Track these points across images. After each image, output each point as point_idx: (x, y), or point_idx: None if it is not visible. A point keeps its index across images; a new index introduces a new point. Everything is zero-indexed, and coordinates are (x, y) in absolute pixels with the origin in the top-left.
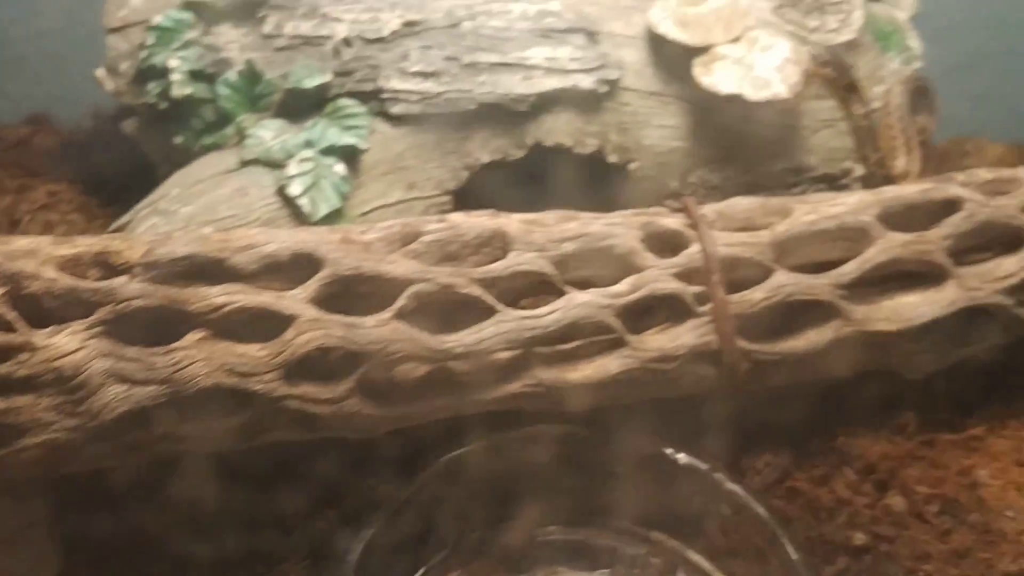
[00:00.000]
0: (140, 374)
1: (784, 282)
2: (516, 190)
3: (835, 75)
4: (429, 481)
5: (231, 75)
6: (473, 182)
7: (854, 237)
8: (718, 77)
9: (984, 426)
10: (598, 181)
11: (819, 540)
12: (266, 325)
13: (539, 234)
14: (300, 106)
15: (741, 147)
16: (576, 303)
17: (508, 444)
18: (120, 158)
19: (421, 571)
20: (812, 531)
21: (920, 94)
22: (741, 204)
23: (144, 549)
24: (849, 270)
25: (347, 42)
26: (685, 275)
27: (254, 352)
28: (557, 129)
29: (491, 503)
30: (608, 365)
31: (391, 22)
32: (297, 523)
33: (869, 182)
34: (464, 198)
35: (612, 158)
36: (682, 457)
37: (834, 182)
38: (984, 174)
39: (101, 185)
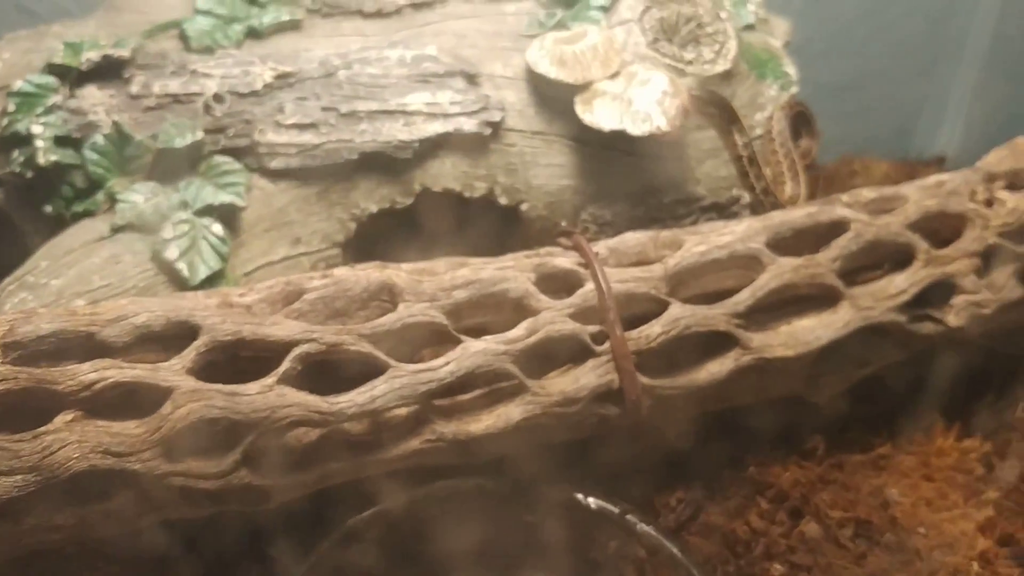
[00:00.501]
0: (3, 463)
1: (680, 315)
2: (415, 237)
3: (714, 110)
4: (329, 549)
5: (98, 139)
6: (366, 232)
7: (746, 265)
8: (599, 114)
9: (891, 443)
10: (500, 221)
11: (737, 575)
12: (143, 400)
13: (429, 284)
14: (173, 167)
15: (628, 182)
16: (471, 352)
17: (414, 503)
18: None
19: None
20: (730, 566)
21: (801, 118)
22: (632, 239)
23: None
24: (743, 298)
25: (218, 98)
26: (581, 315)
27: (131, 430)
28: (444, 174)
29: (402, 562)
30: (510, 413)
31: (263, 75)
32: None
33: (757, 209)
34: (359, 249)
35: (503, 200)
36: (592, 502)
37: (724, 210)
38: (867, 193)
39: None
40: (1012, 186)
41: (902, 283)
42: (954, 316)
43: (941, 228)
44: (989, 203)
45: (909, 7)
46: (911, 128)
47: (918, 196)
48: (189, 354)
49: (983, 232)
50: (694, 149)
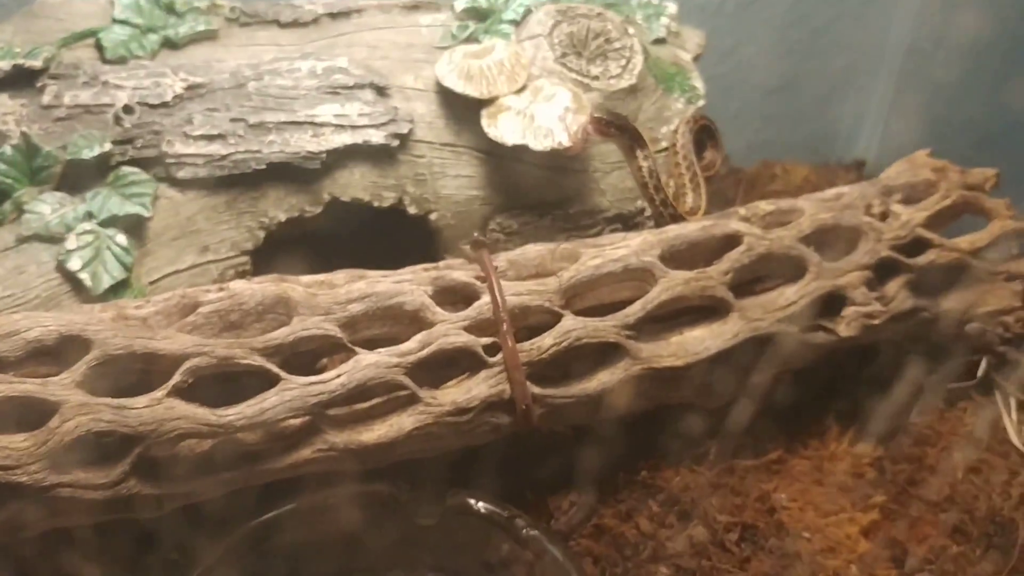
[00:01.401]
0: None
1: (572, 327)
2: (329, 245)
3: (616, 131)
4: (224, 552)
5: (6, 149)
6: (278, 241)
7: (640, 277)
8: (503, 128)
9: (785, 449)
10: (413, 229)
11: None
12: (32, 414)
13: (324, 297)
14: (81, 177)
15: (535, 193)
16: (364, 364)
17: (305, 510)
18: None
19: None
20: (618, 567)
21: (706, 132)
22: (533, 252)
23: None
24: (634, 310)
25: (128, 109)
26: (476, 327)
27: (18, 443)
28: (352, 184)
29: (297, 568)
30: (402, 422)
31: (174, 86)
32: None
33: (659, 221)
34: (270, 258)
35: (412, 209)
36: (483, 506)
37: (628, 221)
38: (765, 206)
39: None
40: (908, 199)
41: (792, 295)
42: (845, 326)
43: (836, 240)
44: (884, 216)
45: (839, 11)
46: (833, 133)
47: (814, 209)
48: (79, 368)
49: (876, 245)
50: (599, 162)
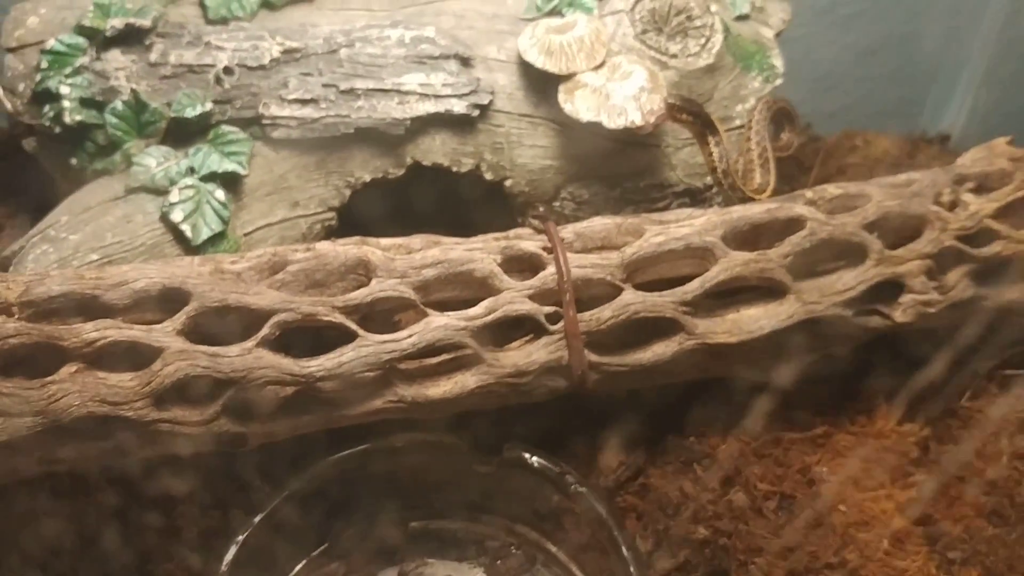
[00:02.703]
0: (16, 407)
1: (631, 300)
2: (408, 205)
3: (689, 118)
4: (305, 482)
5: (118, 104)
6: (360, 199)
7: (701, 255)
8: (579, 105)
9: (832, 424)
10: (486, 195)
11: (665, 534)
12: (138, 356)
13: (401, 262)
14: (185, 133)
15: (607, 165)
16: (434, 326)
17: (378, 451)
18: (23, 173)
19: (302, 563)
20: (659, 525)
21: (784, 114)
22: (599, 224)
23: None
24: (692, 288)
25: (228, 71)
26: (540, 296)
27: (125, 382)
28: (434, 150)
29: (368, 501)
30: (466, 381)
31: (271, 50)
32: (184, 524)
33: (726, 200)
34: (352, 214)
35: (488, 176)
36: (536, 460)
37: (697, 196)
38: (832, 191)
39: (6, 198)
40: (980, 189)
41: (850, 280)
42: (901, 313)
43: (901, 228)
44: (953, 205)
45: None
46: (921, 103)
47: (881, 196)
48: (180, 318)
49: (940, 234)
50: (672, 138)
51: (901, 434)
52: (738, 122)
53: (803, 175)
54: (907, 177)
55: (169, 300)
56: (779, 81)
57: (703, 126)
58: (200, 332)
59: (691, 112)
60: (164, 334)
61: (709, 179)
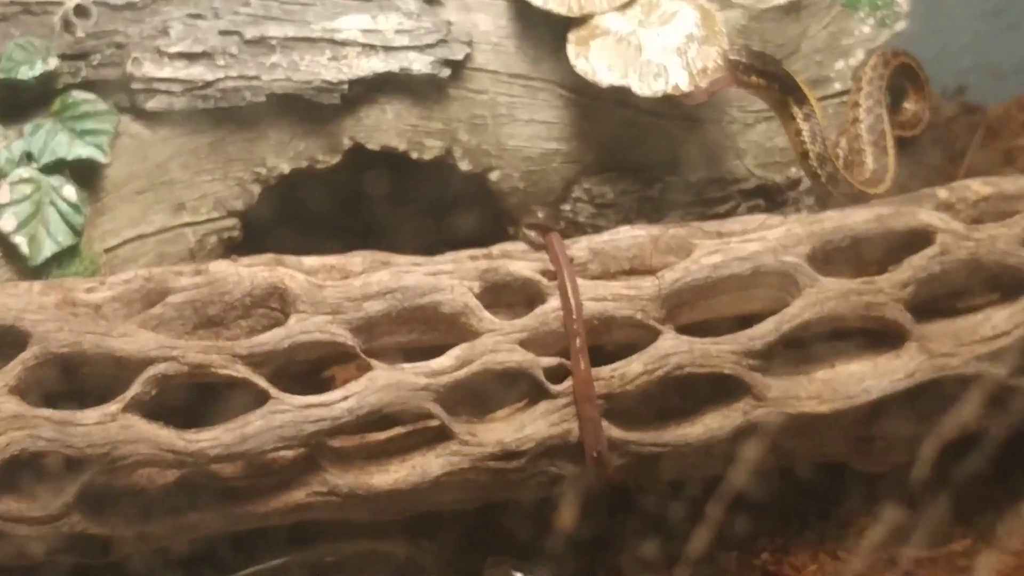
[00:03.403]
0: None
1: (672, 349)
2: (346, 209)
3: (762, 81)
4: None
5: None
6: (274, 199)
7: (778, 284)
8: (597, 61)
9: (977, 537)
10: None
11: None
12: None
13: (333, 291)
14: (18, 103)
15: (641, 150)
16: (380, 384)
17: (301, 566)
18: None
19: None
20: None
21: (906, 74)
22: (627, 237)
23: None
24: (763, 331)
25: (81, 11)
26: (538, 341)
27: None
28: (383, 127)
29: None
30: (428, 465)
31: None
32: None
33: (823, 200)
34: (263, 221)
35: (464, 165)
36: None
37: (776, 196)
38: (979, 188)
39: None
40: None
41: (1003, 323)
42: None
43: None
44: None
45: None
46: None
47: None
48: (14, 369)
49: None
50: (739, 109)
51: None
52: (838, 86)
53: (949, 164)
54: None
55: None
56: (901, 25)
57: (784, 92)
58: (42, 390)
59: (765, 72)
60: None
61: (795, 169)
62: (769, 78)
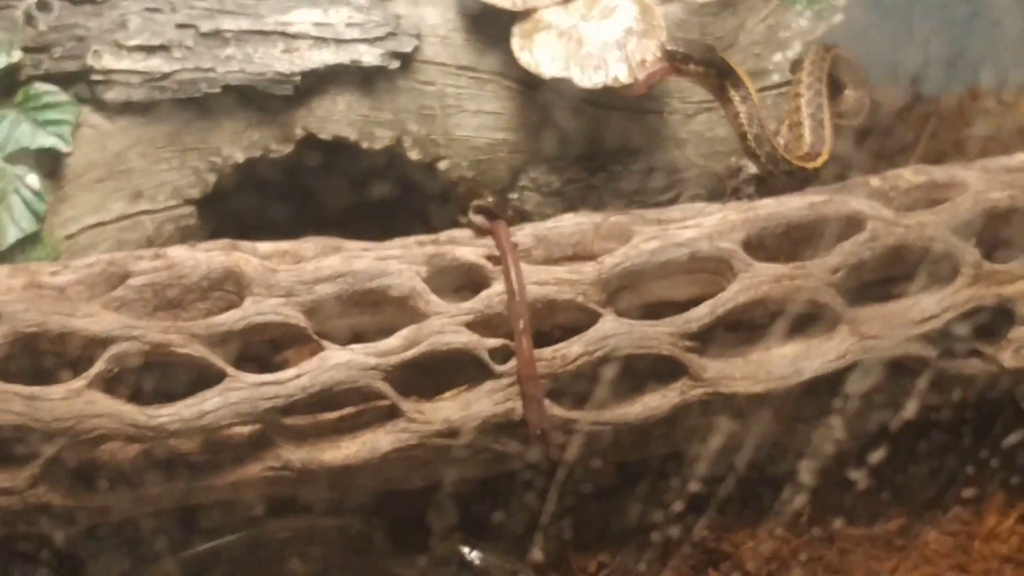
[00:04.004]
0: None
1: (611, 331)
2: (298, 197)
3: (700, 69)
4: None
5: None
6: (230, 188)
7: (714, 268)
8: (540, 54)
9: (916, 517)
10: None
11: None
12: None
13: (286, 274)
14: None
15: (586, 140)
16: (331, 364)
17: (254, 543)
18: None
19: None
20: None
21: (843, 66)
22: (570, 224)
23: None
24: (699, 314)
25: (44, 5)
26: (483, 323)
27: None
28: (335, 117)
29: None
30: (378, 441)
31: None
32: None
33: (772, 179)
34: (218, 209)
35: (413, 154)
36: (478, 557)
37: (717, 186)
38: (910, 177)
39: None
40: None
41: (932, 306)
42: (1011, 354)
43: (1013, 232)
44: None
45: None
46: None
47: (983, 184)
48: None
49: None
50: (679, 100)
51: None
52: (776, 78)
53: (900, 155)
54: (1022, 159)
55: None
56: (838, 17)
57: (721, 76)
58: (10, 368)
59: (702, 60)
60: None
61: (735, 158)
62: (706, 65)
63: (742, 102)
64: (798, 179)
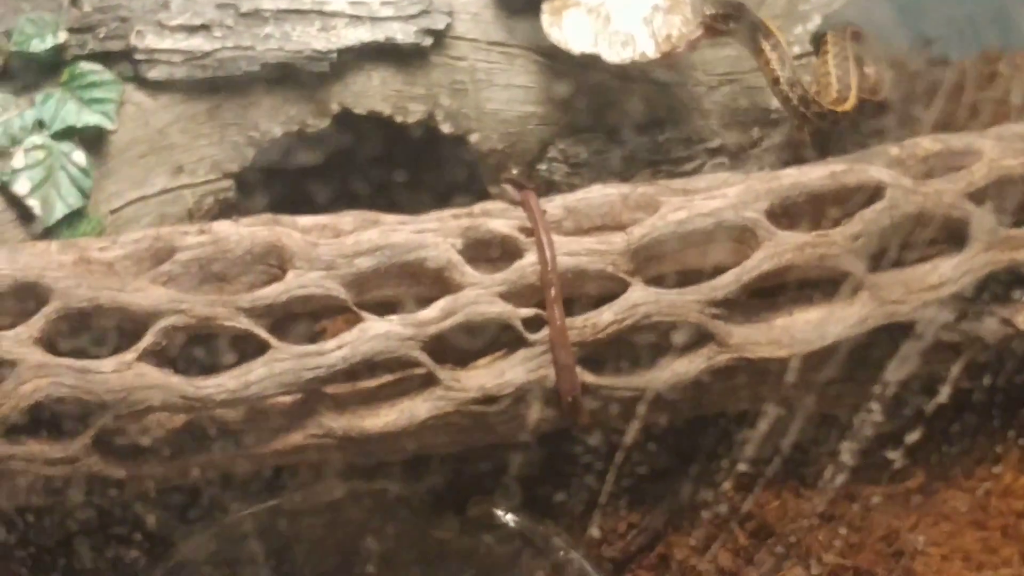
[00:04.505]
0: None
1: (640, 300)
2: (336, 170)
3: (734, 26)
4: (195, 550)
5: None
6: (269, 162)
7: (739, 237)
8: (569, 30)
9: (935, 475)
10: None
11: None
12: None
13: (327, 248)
14: (30, 74)
15: (613, 112)
16: (371, 335)
17: (298, 507)
18: None
19: None
20: None
21: (860, 44)
22: (599, 196)
23: None
24: (725, 282)
25: None
26: (516, 293)
27: None
28: (370, 92)
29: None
30: (415, 409)
31: None
32: None
33: (803, 121)
34: (258, 183)
35: (446, 128)
36: (512, 519)
37: (740, 155)
38: (928, 145)
39: None
40: None
41: (949, 271)
42: None
43: None
44: None
45: None
46: None
47: (997, 152)
48: (37, 322)
49: None
50: (703, 72)
51: None
52: (797, 49)
53: (908, 119)
54: None
55: (21, 299)
56: None
57: (752, 29)
58: (61, 341)
59: (735, 17)
60: (17, 343)
61: (758, 129)
62: (738, 21)
63: (773, 50)
64: (829, 121)
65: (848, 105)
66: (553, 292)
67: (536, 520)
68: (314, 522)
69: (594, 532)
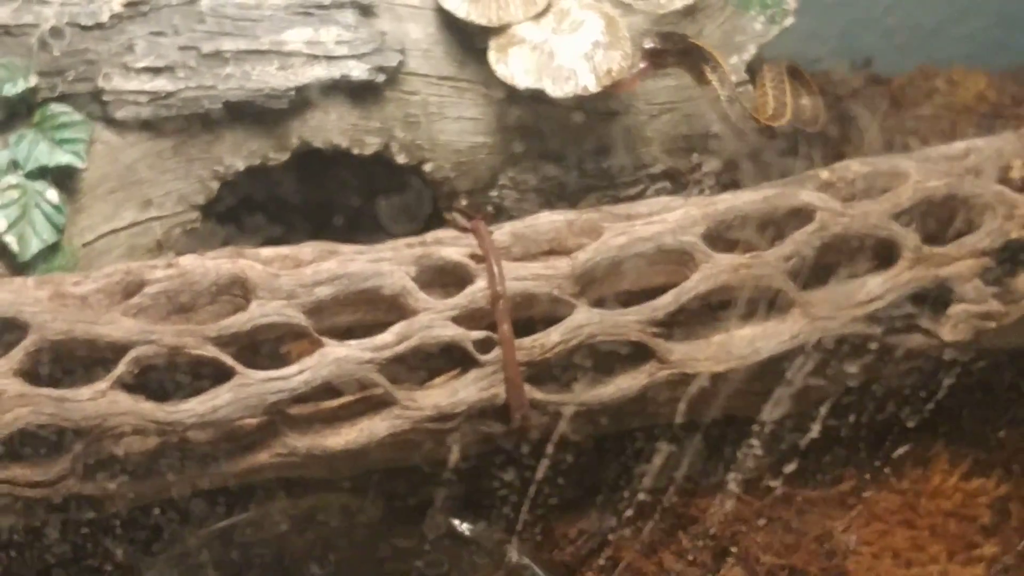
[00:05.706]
0: None
1: (584, 321)
2: (296, 202)
3: (676, 59)
4: (165, 566)
5: None
6: (232, 195)
7: (678, 260)
8: (515, 66)
9: (868, 477)
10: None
11: None
12: None
13: (287, 278)
14: (3, 116)
15: (559, 140)
16: (331, 359)
17: (262, 521)
18: None
19: None
20: None
21: (796, 78)
22: (546, 223)
23: None
24: (664, 303)
25: (56, 32)
26: (467, 317)
27: None
28: (327, 126)
29: None
30: (374, 427)
31: (111, 3)
32: None
33: (726, 173)
34: (222, 214)
35: (401, 158)
36: (467, 528)
37: (680, 178)
38: (856, 168)
39: None
40: None
41: (876, 288)
42: (950, 329)
43: (950, 217)
44: None
45: None
46: None
47: (921, 174)
48: (16, 355)
49: (1004, 223)
50: (644, 102)
51: (968, 493)
52: (733, 79)
53: (853, 133)
54: (965, 146)
55: (0, 333)
56: (789, 21)
57: (694, 58)
58: (39, 372)
59: (678, 51)
60: None
61: (697, 155)
62: (682, 54)
63: (713, 71)
64: (766, 135)
65: (783, 121)
66: (503, 316)
67: (490, 528)
68: (279, 536)
69: (545, 538)
